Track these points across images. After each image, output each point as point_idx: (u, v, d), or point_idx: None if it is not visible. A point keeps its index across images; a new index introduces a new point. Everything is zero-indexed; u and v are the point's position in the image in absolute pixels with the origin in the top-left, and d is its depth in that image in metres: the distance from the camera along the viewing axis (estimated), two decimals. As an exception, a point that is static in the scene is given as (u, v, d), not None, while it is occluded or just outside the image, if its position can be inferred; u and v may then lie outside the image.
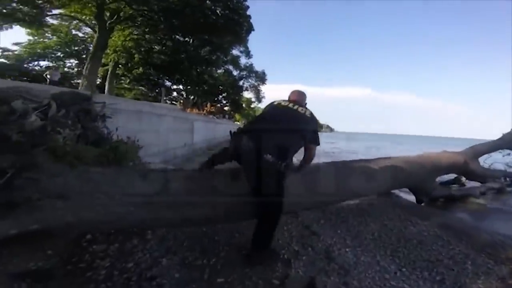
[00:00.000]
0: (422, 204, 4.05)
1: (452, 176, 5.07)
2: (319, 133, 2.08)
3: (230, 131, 1.98)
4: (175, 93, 28.12)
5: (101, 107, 2.73)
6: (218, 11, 14.71)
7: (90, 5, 13.78)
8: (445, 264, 2.15)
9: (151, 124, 5.82)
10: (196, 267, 1.85)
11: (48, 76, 10.78)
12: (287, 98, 2.24)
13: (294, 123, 1.94)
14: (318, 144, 2.05)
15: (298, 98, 2.21)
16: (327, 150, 15.99)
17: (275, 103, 2.13)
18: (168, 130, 6.75)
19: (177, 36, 19.07)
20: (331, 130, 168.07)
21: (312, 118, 2.03)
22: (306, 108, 2.07)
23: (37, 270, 1.67)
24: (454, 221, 3.26)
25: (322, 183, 2.41)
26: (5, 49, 20.51)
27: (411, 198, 4.13)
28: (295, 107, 2.03)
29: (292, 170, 2.03)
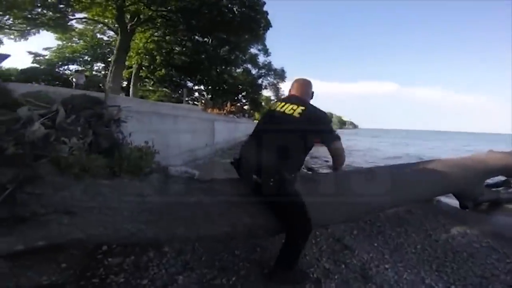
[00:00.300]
0: (467, 209, 3.58)
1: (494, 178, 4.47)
2: (339, 128, 1.80)
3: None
4: (196, 94, 28.54)
5: (116, 111, 2.63)
6: (234, 9, 14.64)
7: (110, 7, 14.25)
8: (501, 280, 1.88)
9: (172, 125, 5.79)
10: (215, 287, 1.67)
11: (74, 80, 11.26)
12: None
13: (280, 130, 1.64)
14: (336, 139, 1.68)
15: (298, 91, 1.84)
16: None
17: (271, 107, 1.82)
18: (189, 131, 6.70)
19: (196, 37, 19.35)
20: (355, 126, 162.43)
21: (305, 116, 1.63)
22: (300, 103, 1.70)
23: (50, 285, 1.59)
24: (509, 230, 2.82)
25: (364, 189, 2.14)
26: (36, 54, 21.89)
27: (453, 202, 3.67)
28: (284, 108, 1.70)
29: (303, 178, 1.80)
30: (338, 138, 1.69)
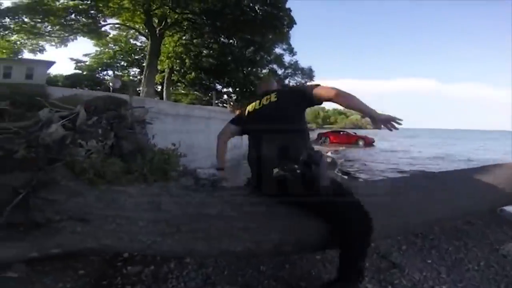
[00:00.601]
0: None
1: None
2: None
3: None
4: (225, 96, 28.94)
5: (141, 112, 2.57)
6: (256, 8, 14.60)
7: (138, 12, 14.94)
8: None
9: (202, 127, 5.79)
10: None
11: (111, 84, 11.94)
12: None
13: (271, 120, 1.59)
14: (318, 85, 1.58)
15: (266, 87, 1.88)
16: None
17: (249, 110, 1.77)
18: (217, 133, 6.66)
19: (222, 39, 19.65)
20: None
21: (281, 95, 1.65)
22: (270, 91, 1.72)
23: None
24: None
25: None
26: (78, 60, 23.74)
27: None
28: (261, 103, 1.70)
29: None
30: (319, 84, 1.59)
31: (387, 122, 1.41)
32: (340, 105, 1.50)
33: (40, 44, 16.33)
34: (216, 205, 1.42)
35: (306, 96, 1.57)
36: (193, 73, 22.80)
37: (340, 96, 1.46)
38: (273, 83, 1.94)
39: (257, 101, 1.72)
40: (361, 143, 20.00)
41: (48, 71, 21.17)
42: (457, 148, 20.49)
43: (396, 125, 1.42)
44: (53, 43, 16.35)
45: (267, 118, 1.62)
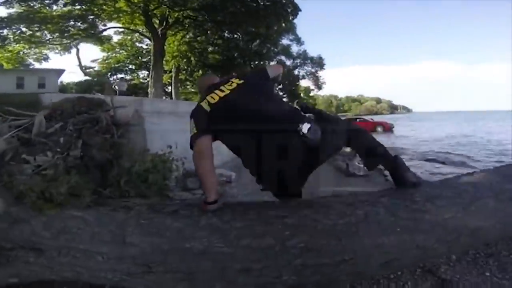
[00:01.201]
0: None
1: None
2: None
3: None
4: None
5: (125, 113, 2.27)
6: None
7: (137, 14, 14.75)
8: None
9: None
10: None
11: (116, 87, 11.86)
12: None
13: (249, 103, 1.45)
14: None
15: (215, 79, 1.74)
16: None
17: (210, 102, 1.47)
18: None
19: (225, 34, 19.25)
20: (408, 111, 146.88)
21: (246, 78, 1.56)
22: (229, 80, 1.56)
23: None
24: None
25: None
26: (86, 67, 24.00)
27: None
28: (223, 91, 1.47)
29: None
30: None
31: None
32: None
33: (44, 53, 16.55)
34: (204, 234, 1.06)
35: (265, 73, 1.63)
36: (200, 71, 22.61)
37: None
38: (216, 78, 1.80)
39: (216, 92, 1.47)
40: (380, 129, 19.11)
41: (59, 79, 21.57)
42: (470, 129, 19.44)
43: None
44: (56, 51, 16.50)
45: (246, 96, 1.46)
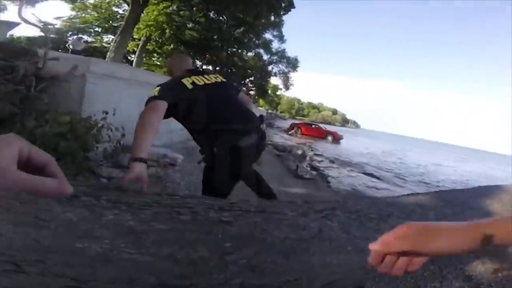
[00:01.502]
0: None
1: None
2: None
3: None
4: (205, 74, 27.56)
5: (55, 68, 1.85)
6: None
7: None
8: None
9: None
10: None
11: (71, 47, 10.45)
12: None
13: (225, 96, 1.66)
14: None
15: (191, 65, 1.84)
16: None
17: (184, 88, 1.53)
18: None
19: (211, 14, 18.31)
20: (357, 126, 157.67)
21: (227, 80, 1.74)
22: (211, 74, 1.69)
23: None
24: None
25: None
26: (46, 23, 20.92)
27: None
28: (203, 80, 1.57)
29: None
30: None
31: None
32: None
33: (2, 3, 13.99)
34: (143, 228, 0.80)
35: (239, 90, 1.80)
36: (172, 45, 21.26)
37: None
38: (190, 60, 1.85)
39: (202, 77, 1.57)
40: (330, 138, 20.42)
41: (10, 32, 18.59)
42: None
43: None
44: (17, 3, 14.01)
45: (223, 92, 1.61)
